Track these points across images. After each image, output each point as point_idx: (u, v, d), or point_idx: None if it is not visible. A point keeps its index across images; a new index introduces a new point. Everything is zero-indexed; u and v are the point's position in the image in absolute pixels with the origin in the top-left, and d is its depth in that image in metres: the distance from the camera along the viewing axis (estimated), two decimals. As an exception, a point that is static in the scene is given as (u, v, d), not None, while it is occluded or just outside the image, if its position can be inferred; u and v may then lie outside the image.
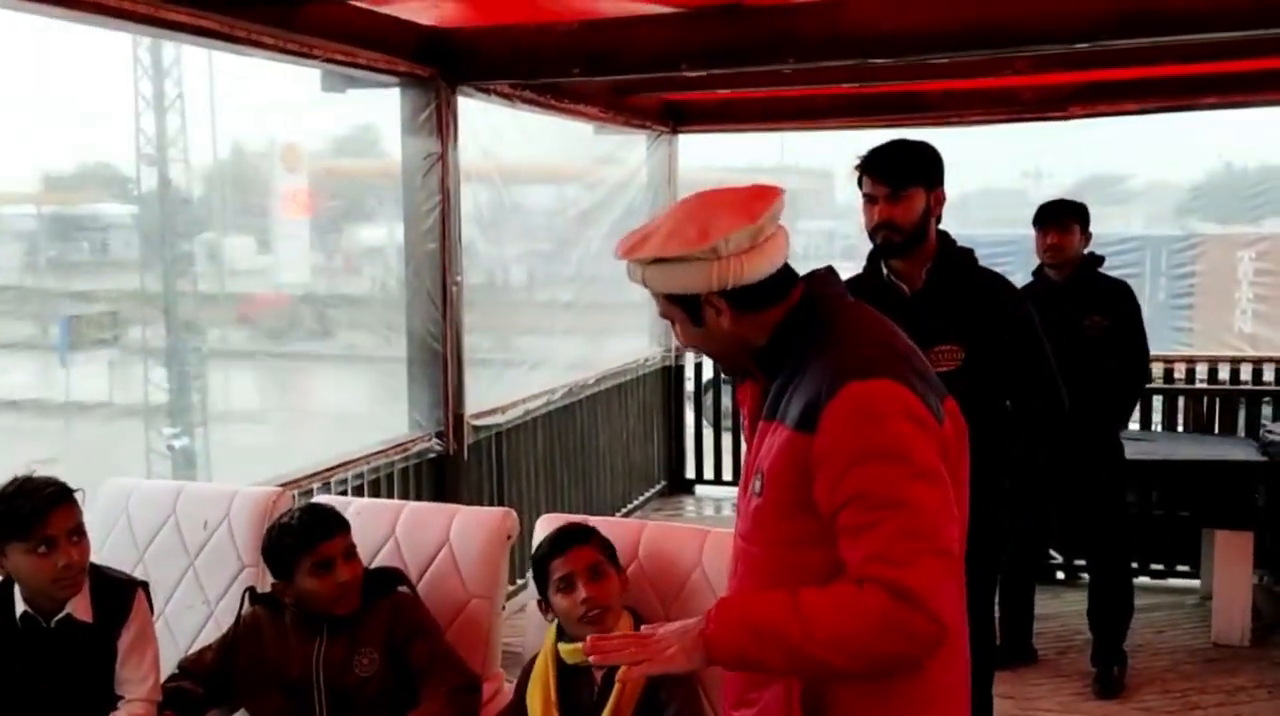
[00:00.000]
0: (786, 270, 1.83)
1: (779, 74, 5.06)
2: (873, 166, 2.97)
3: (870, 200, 2.99)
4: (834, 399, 1.69)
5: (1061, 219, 4.44)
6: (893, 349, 1.80)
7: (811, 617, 1.64)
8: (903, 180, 2.95)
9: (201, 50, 5.06)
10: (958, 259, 3.06)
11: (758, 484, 1.80)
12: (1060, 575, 5.77)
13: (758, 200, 1.78)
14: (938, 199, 2.99)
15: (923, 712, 1.82)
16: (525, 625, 2.79)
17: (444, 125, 4.65)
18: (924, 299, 3.01)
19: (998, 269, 3.23)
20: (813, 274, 1.88)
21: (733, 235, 1.74)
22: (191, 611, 2.99)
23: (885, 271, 3.09)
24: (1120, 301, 4.47)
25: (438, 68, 4.57)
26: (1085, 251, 4.50)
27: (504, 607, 2.90)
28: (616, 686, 2.40)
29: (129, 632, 2.54)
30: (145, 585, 2.64)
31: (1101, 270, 4.55)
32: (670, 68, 4.61)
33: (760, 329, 1.82)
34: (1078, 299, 4.40)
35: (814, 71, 5.06)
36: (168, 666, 2.67)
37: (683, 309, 1.82)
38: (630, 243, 1.82)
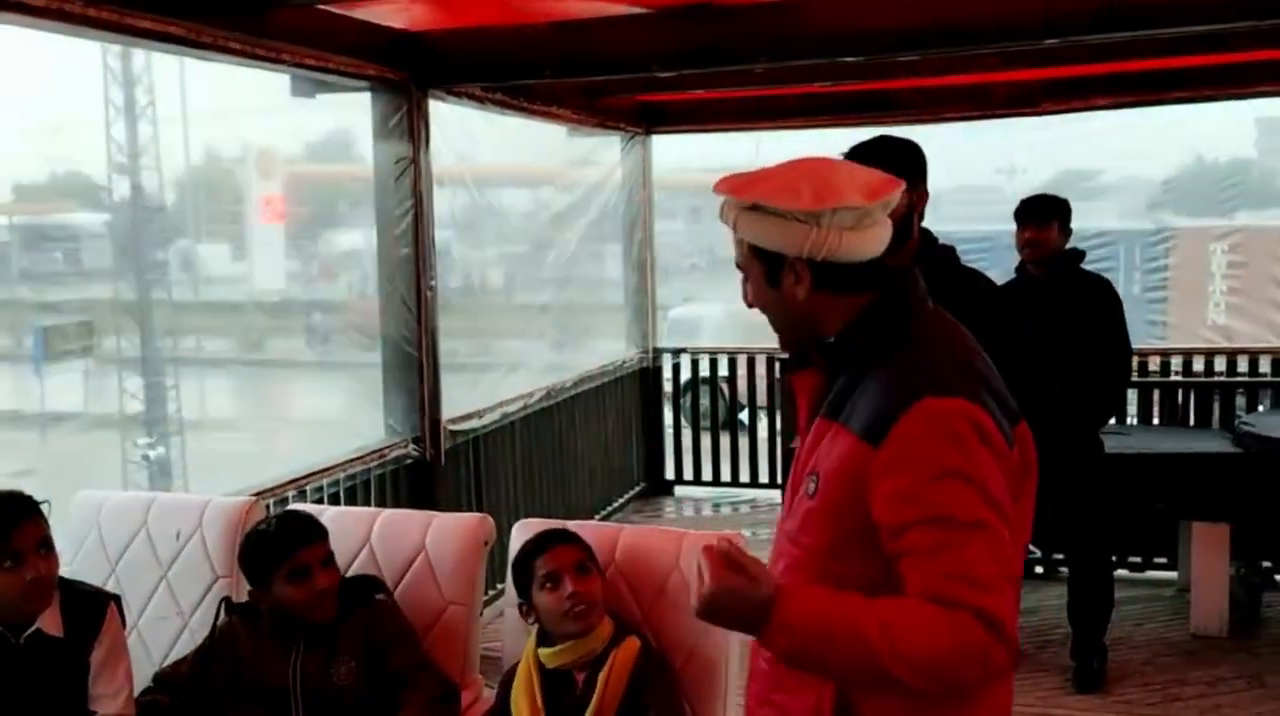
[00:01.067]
0: (878, 264, 1.75)
1: (751, 74, 5.06)
2: (856, 161, 2.95)
3: None
4: (908, 413, 1.61)
5: (1040, 214, 4.45)
6: (972, 367, 1.73)
7: (897, 631, 1.53)
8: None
9: (173, 57, 5.02)
10: (940, 257, 3.03)
11: (812, 485, 1.72)
12: (1039, 569, 5.78)
13: (878, 184, 1.73)
14: (920, 197, 2.96)
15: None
16: (504, 630, 2.77)
17: (415, 129, 4.62)
18: None
19: (973, 266, 3.23)
20: (900, 271, 1.79)
21: (842, 207, 1.67)
22: (165, 623, 2.96)
23: None
24: (1101, 297, 4.47)
25: (408, 71, 4.55)
26: (1068, 247, 4.51)
27: (481, 614, 2.88)
28: (598, 689, 2.40)
29: (101, 647, 2.51)
30: (117, 598, 2.61)
31: (1083, 266, 4.56)
32: (641, 69, 4.61)
33: (834, 313, 1.75)
34: (1058, 295, 4.40)
35: (786, 71, 5.06)
36: (142, 680, 2.64)
37: (763, 264, 1.75)
38: (736, 181, 1.74)
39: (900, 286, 1.77)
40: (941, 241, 3.09)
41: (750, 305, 1.83)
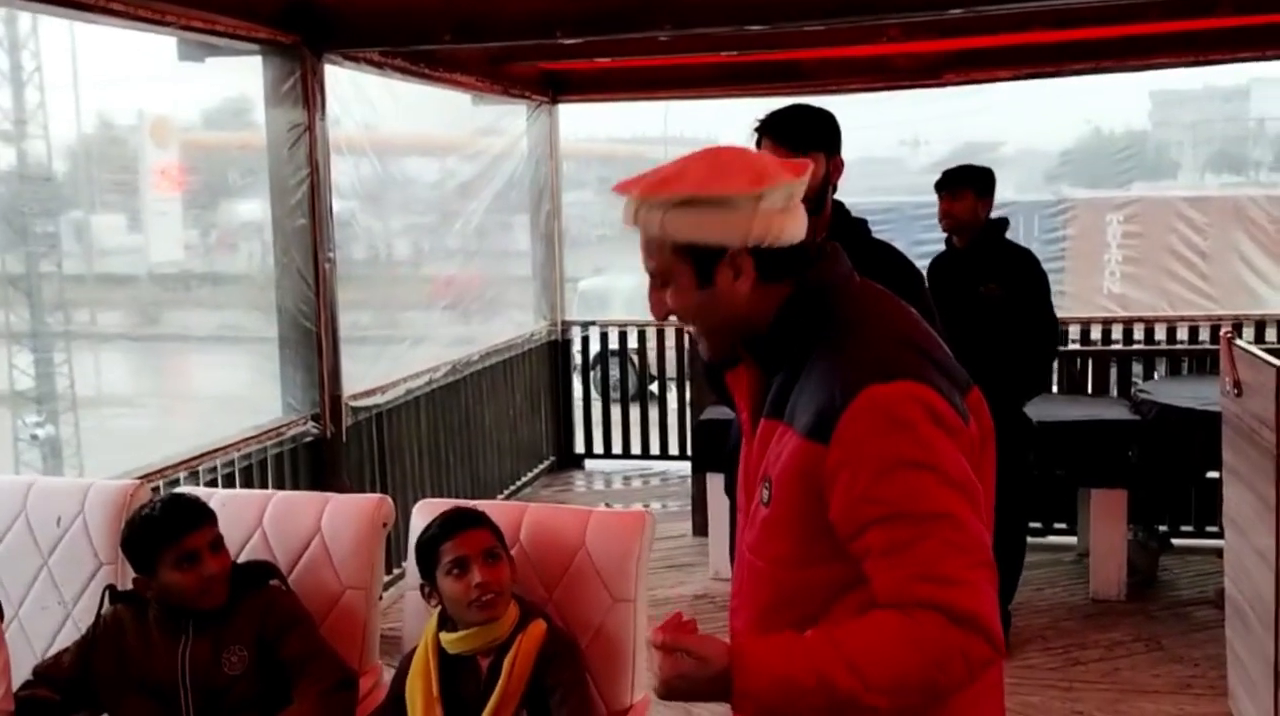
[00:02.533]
0: (803, 248, 1.65)
1: (656, 41, 4.99)
2: (774, 128, 2.85)
3: None
4: (851, 404, 1.52)
5: (952, 185, 4.43)
6: (913, 342, 1.63)
7: (865, 664, 1.46)
8: (804, 143, 2.84)
9: (62, 21, 4.79)
10: (852, 229, 3.00)
11: (765, 493, 1.64)
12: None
13: (791, 163, 1.64)
14: (836, 166, 2.90)
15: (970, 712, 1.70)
16: (405, 611, 2.69)
17: (310, 95, 4.48)
18: None
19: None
20: (820, 249, 1.69)
21: (776, 187, 1.58)
22: (47, 613, 2.82)
23: None
24: (1021, 268, 4.45)
25: (300, 34, 4.40)
26: (993, 217, 4.49)
27: (381, 597, 2.80)
28: (503, 675, 2.33)
29: (-25, 641, 2.38)
30: (-8, 589, 2.49)
31: (1008, 237, 4.56)
32: (545, 34, 4.52)
33: (768, 305, 1.63)
34: (977, 266, 4.40)
35: (692, 39, 5.02)
36: (22, 673, 2.51)
37: (694, 264, 1.61)
38: (651, 180, 1.61)
39: (824, 267, 1.67)
40: (854, 213, 3.05)
41: (665, 315, 1.69)
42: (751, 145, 2.92)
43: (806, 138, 2.84)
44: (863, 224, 3.01)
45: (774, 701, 1.48)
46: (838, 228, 2.95)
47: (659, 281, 1.67)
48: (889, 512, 1.50)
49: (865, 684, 1.46)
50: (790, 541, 1.63)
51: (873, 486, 1.51)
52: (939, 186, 4.47)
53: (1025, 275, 4.44)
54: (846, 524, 1.54)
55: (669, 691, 1.51)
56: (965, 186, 4.42)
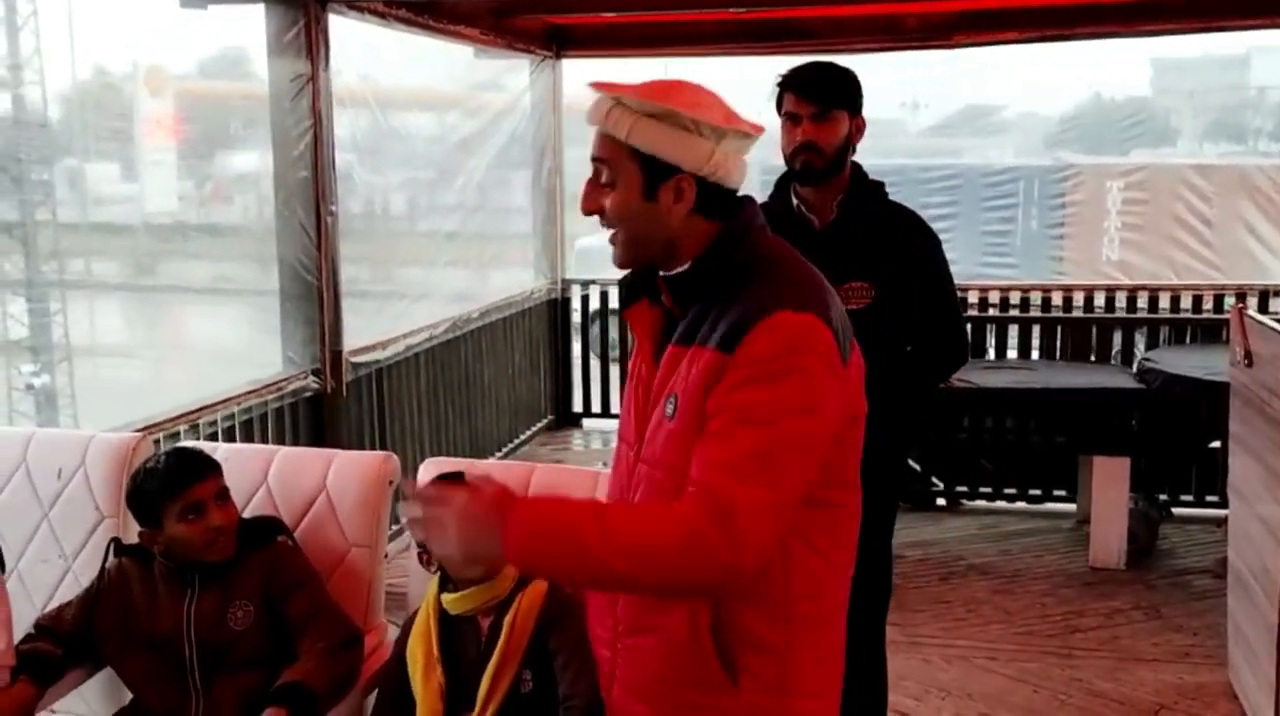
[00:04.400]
0: (737, 194, 1.77)
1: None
2: (798, 83, 2.80)
3: (793, 120, 2.81)
4: (761, 322, 1.63)
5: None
6: (822, 288, 1.75)
7: (614, 526, 1.57)
8: (830, 100, 2.80)
9: (58, -36, 4.71)
10: (870, 192, 2.94)
11: (670, 408, 1.71)
12: (941, 502, 5.86)
13: (756, 123, 1.76)
14: (858, 127, 2.85)
15: (823, 632, 1.81)
16: (410, 567, 2.66)
17: (314, 45, 4.41)
18: (834, 233, 2.86)
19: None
20: (740, 200, 1.79)
21: (744, 132, 1.71)
22: (47, 566, 2.80)
23: (795, 201, 2.92)
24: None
25: (306, -17, 4.32)
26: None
27: (387, 555, 2.78)
28: (503, 635, 2.31)
29: (-24, 594, 2.36)
30: (-7, 541, 2.46)
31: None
32: (551, -15, 4.44)
33: (694, 239, 1.74)
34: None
35: (700, -7, 4.94)
36: (23, 626, 2.49)
37: (645, 176, 1.70)
38: (639, 87, 1.71)
39: (749, 213, 1.78)
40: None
41: (594, 212, 1.76)
42: (768, 107, 2.88)
43: (831, 94, 2.80)
44: (880, 186, 2.97)
45: (535, 547, 1.58)
46: (856, 189, 2.91)
47: (602, 179, 1.74)
48: (734, 407, 1.61)
49: (605, 538, 1.55)
50: (691, 449, 1.68)
51: (740, 387, 1.61)
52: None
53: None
54: (707, 411, 1.64)
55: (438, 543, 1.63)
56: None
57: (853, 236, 2.85)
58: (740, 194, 1.78)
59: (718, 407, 1.63)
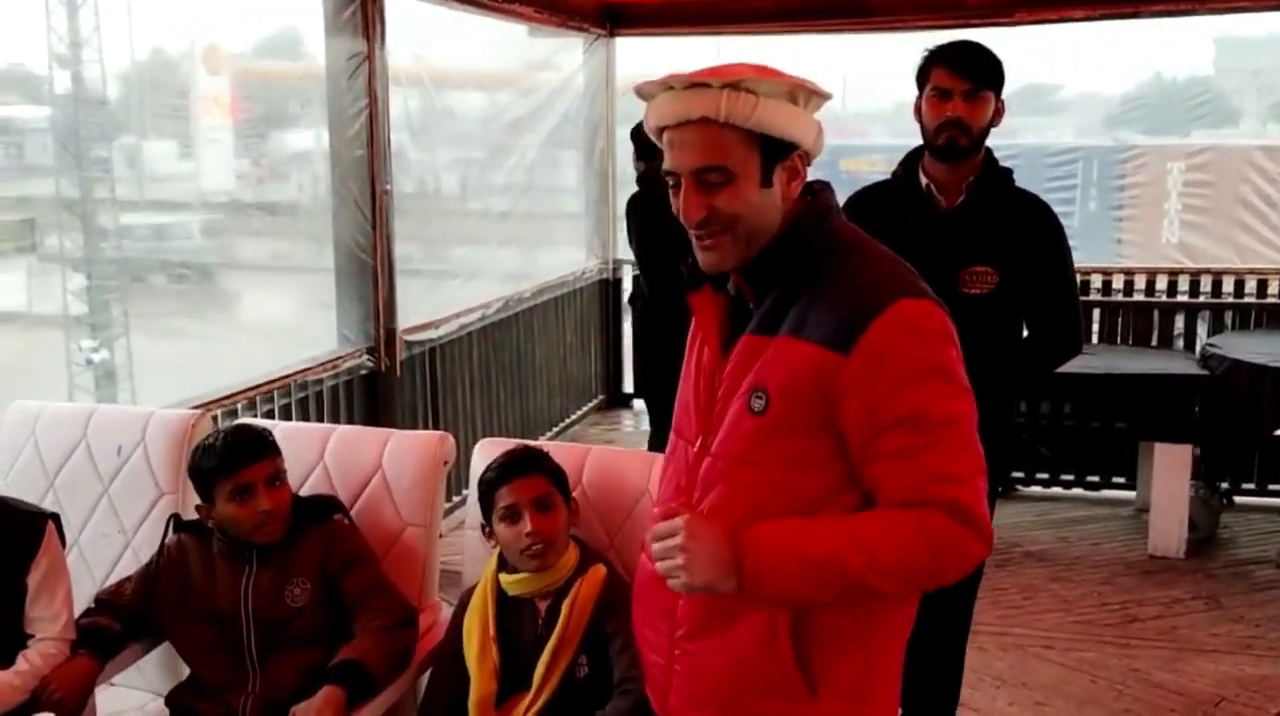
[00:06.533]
0: None
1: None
2: (953, 58, 2.73)
3: (943, 95, 2.73)
4: (882, 316, 1.57)
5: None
6: (912, 270, 1.69)
7: (874, 546, 1.54)
8: (983, 78, 2.72)
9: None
10: (1000, 177, 2.85)
11: (760, 402, 1.63)
12: (999, 488, 5.78)
13: None
14: (999, 111, 2.78)
15: (899, 637, 1.79)
16: (465, 544, 2.66)
17: (370, 24, 4.40)
18: (961, 214, 2.79)
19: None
20: (820, 183, 1.72)
21: (821, 98, 1.66)
22: (107, 541, 2.83)
23: (924, 180, 2.85)
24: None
25: (362, -39, 4.32)
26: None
27: (441, 534, 2.78)
28: (560, 619, 2.30)
29: (38, 569, 2.39)
30: (56, 516, 2.48)
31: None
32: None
33: (785, 218, 1.67)
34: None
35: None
36: (83, 600, 2.52)
37: (765, 160, 1.61)
38: (749, 68, 1.60)
39: (826, 192, 1.71)
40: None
41: (704, 220, 1.62)
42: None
43: (984, 73, 2.74)
44: (1009, 173, 2.89)
45: (789, 580, 1.54)
46: (987, 172, 2.84)
47: (717, 179, 1.61)
48: (907, 417, 1.57)
49: (871, 564, 1.53)
50: (788, 443, 1.64)
51: (901, 392, 1.57)
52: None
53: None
54: (864, 429, 1.59)
55: (687, 580, 1.54)
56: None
57: (979, 220, 2.78)
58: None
59: (881, 420, 1.57)
